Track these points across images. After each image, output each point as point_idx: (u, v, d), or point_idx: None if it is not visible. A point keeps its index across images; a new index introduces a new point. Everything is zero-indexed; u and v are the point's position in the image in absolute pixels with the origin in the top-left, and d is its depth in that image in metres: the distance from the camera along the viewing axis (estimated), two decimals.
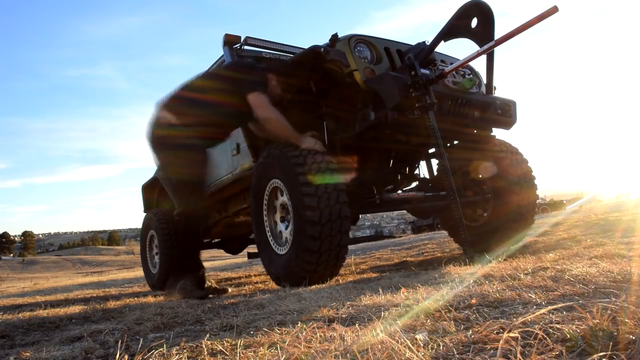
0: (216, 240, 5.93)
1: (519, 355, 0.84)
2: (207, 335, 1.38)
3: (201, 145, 3.26)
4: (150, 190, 6.22)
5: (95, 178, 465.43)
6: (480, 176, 3.94)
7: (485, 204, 3.97)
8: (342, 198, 2.89)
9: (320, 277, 2.91)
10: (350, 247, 3.25)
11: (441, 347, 0.98)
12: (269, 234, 3.29)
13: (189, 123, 3.19)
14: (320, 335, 1.18)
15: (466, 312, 1.30)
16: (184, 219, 3.22)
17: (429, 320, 1.24)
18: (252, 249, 4.52)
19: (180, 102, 3.30)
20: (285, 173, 3.02)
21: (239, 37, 4.20)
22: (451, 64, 3.30)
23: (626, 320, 0.94)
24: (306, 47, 3.34)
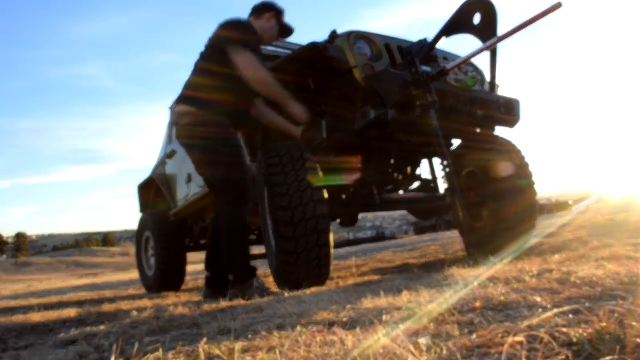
0: None
1: None
2: (204, 339, 1.35)
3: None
4: (146, 190, 6.21)
5: (87, 179, 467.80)
6: (484, 176, 3.92)
7: (485, 204, 3.95)
8: (317, 196, 2.85)
9: (305, 279, 2.86)
10: (352, 249, 3.23)
11: (444, 352, 0.96)
12: (272, 237, 3.28)
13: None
14: (320, 340, 1.16)
15: (470, 315, 1.27)
16: (236, 212, 2.99)
17: (432, 324, 1.22)
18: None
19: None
20: (264, 175, 3.02)
21: None
22: (454, 61, 3.27)
23: (633, 323, 0.93)
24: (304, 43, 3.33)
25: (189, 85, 3.23)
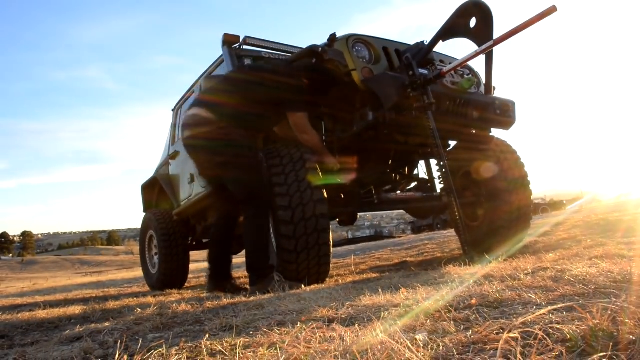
0: None
1: (519, 356, 0.83)
2: (207, 336, 1.37)
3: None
4: (150, 190, 6.21)
5: (91, 179, 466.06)
6: (479, 177, 3.94)
7: (481, 204, 3.98)
8: (316, 196, 2.89)
9: (305, 277, 2.90)
10: (350, 247, 3.24)
11: (441, 348, 0.98)
12: (272, 235, 3.30)
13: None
14: (320, 336, 1.17)
15: (466, 312, 1.29)
16: (263, 214, 3.04)
17: (428, 321, 1.24)
18: None
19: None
20: (266, 175, 3.04)
21: (238, 37, 4.19)
22: (450, 63, 3.29)
23: (626, 320, 0.94)
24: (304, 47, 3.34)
25: (207, 90, 3.28)
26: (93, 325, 1.97)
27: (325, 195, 2.95)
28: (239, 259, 5.15)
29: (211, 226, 3.74)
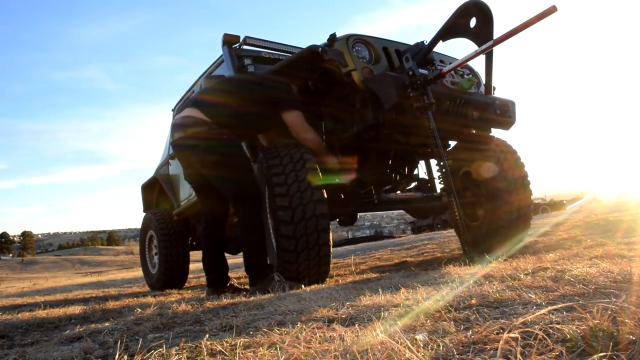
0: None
1: (519, 356, 0.83)
2: (207, 336, 1.37)
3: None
4: (150, 190, 6.23)
5: (91, 179, 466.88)
6: (479, 177, 3.94)
7: (481, 204, 3.98)
8: (316, 196, 2.89)
9: (305, 277, 2.90)
10: (350, 247, 3.24)
11: (441, 348, 0.98)
12: (272, 235, 3.30)
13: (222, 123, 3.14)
14: (320, 336, 1.17)
15: (466, 312, 1.29)
16: (255, 214, 3.05)
17: (428, 321, 1.24)
18: None
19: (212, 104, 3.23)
20: (265, 175, 3.05)
21: (238, 37, 4.20)
22: (450, 63, 3.29)
23: (626, 320, 0.94)
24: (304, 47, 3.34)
25: (204, 90, 3.33)
26: (93, 325, 1.98)
27: (325, 195, 2.95)
28: (239, 259, 5.15)
29: (201, 234, 3.75)
